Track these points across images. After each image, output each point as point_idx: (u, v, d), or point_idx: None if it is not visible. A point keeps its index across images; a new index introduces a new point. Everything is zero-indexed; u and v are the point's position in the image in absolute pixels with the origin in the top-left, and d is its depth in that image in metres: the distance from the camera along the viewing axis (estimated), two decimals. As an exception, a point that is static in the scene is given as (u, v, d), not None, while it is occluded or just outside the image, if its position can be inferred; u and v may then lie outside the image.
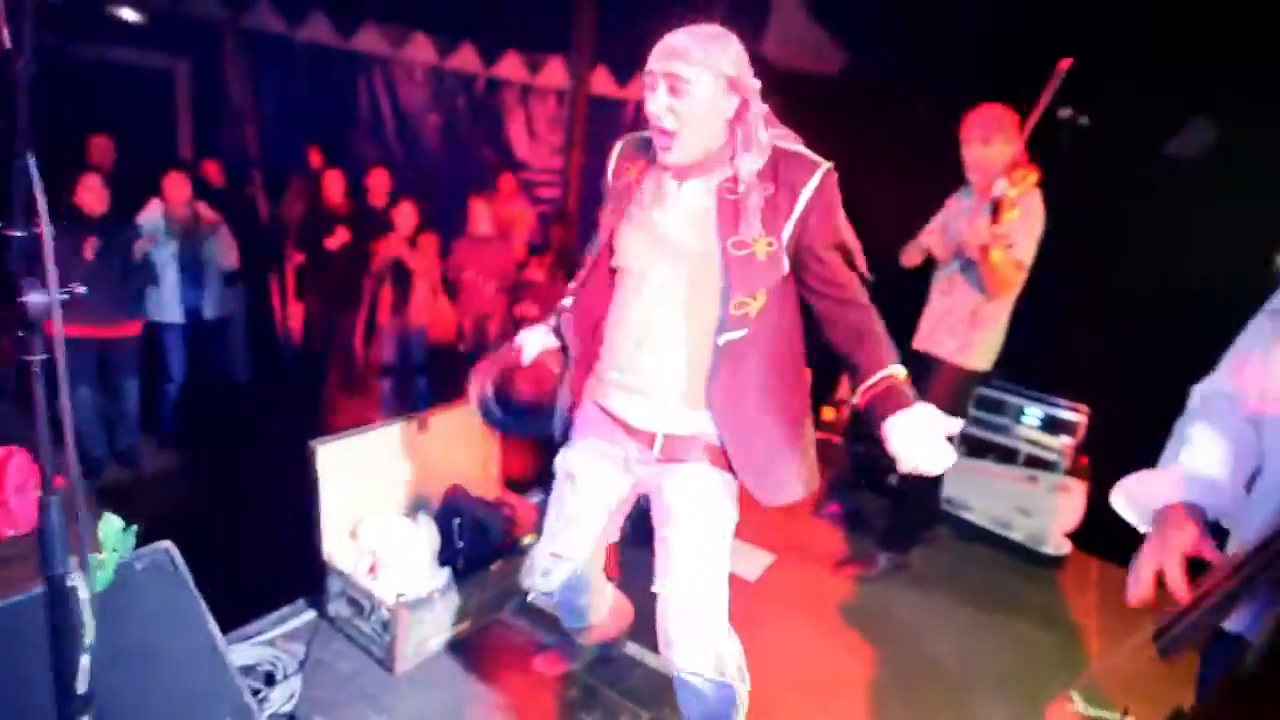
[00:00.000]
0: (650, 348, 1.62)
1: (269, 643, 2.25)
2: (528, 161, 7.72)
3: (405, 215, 4.85)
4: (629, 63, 7.26)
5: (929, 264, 3.22)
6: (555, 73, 7.34)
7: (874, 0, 5.62)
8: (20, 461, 1.03)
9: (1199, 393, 1.31)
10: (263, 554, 2.73)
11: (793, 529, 3.50)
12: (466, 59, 7.51)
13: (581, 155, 7.03)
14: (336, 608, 2.39)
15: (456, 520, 2.56)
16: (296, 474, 2.43)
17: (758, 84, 1.53)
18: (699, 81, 1.45)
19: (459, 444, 2.78)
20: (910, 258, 3.21)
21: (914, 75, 5.17)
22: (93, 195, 3.60)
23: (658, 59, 1.48)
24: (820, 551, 3.43)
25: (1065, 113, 2.96)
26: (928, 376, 3.06)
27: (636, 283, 1.63)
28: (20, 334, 0.85)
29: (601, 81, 7.25)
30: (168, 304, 4.47)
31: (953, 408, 1.51)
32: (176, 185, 4.36)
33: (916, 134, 5.12)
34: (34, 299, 0.83)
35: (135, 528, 1.19)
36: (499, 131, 7.67)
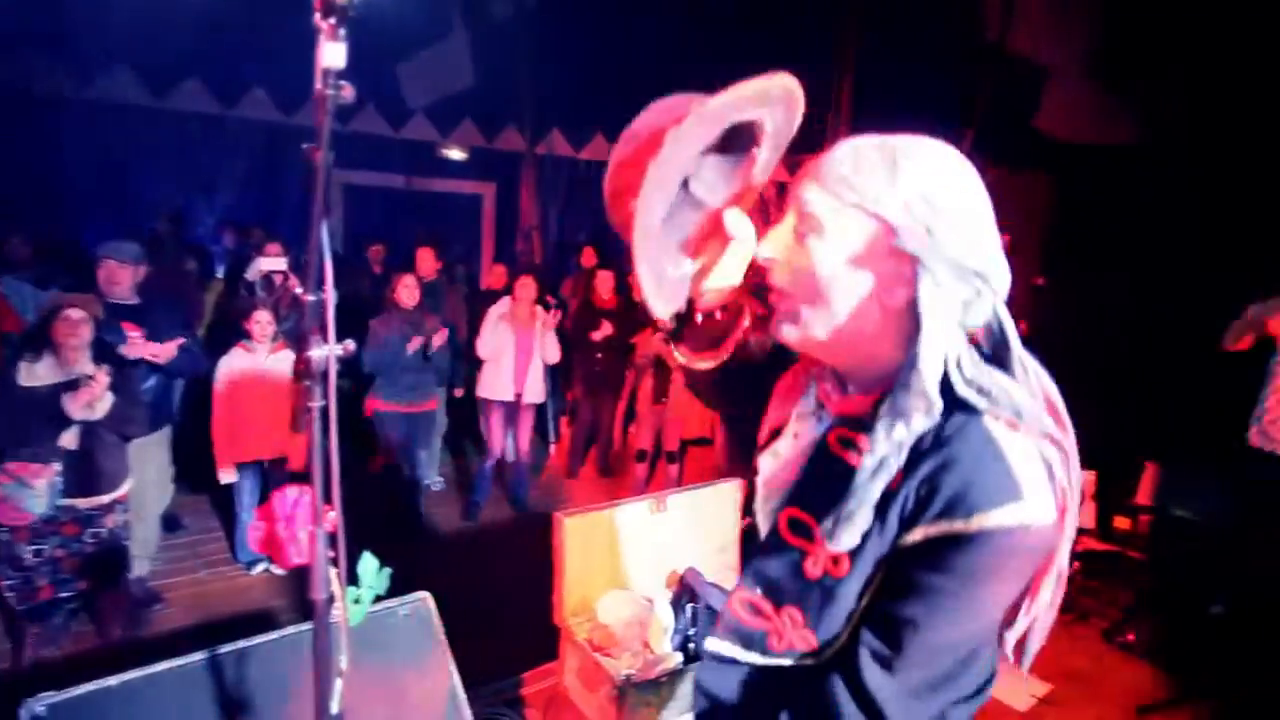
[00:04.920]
0: None
1: (507, 703, 2.35)
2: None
3: None
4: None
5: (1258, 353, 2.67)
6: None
7: (1177, 65, 5.05)
8: (309, 500, 1.21)
9: None
10: (502, 614, 2.90)
11: (1075, 657, 2.95)
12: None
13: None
14: (570, 680, 2.44)
15: (690, 605, 2.52)
16: (545, 545, 2.58)
17: (978, 262, 0.83)
18: (834, 221, 0.87)
19: (697, 527, 2.77)
20: (1237, 339, 2.69)
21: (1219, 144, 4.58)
22: (406, 292, 4.36)
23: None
24: (1112, 689, 2.83)
25: None
26: (1269, 479, 2.50)
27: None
28: (306, 383, 1.00)
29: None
30: (500, 385, 5.04)
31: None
32: (526, 288, 5.05)
33: (1222, 206, 4.45)
34: (318, 353, 0.98)
35: (389, 570, 1.31)
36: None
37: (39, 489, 2.93)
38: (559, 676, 2.48)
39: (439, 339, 4.45)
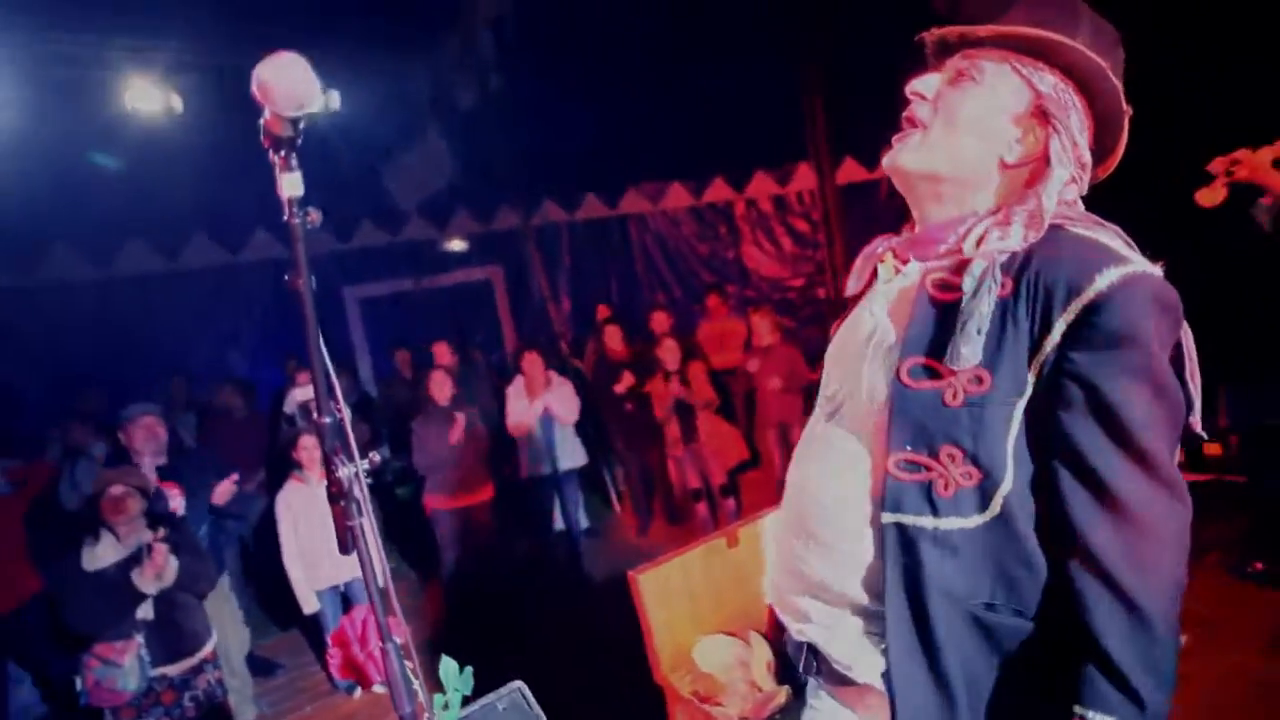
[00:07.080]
0: (802, 516, 1.15)
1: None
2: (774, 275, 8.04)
3: (669, 351, 5.09)
4: (872, 148, 7.22)
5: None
6: (805, 177, 7.47)
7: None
8: (374, 617, 1.19)
9: None
10: (604, 688, 2.83)
11: (1204, 595, 2.70)
12: (719, 190, 8.03)
13: (842, 248, 6.95)
14: (684, 738, 2.36)
15: (786, 635, 2.43)
16: (628, 607, 2.52)
17: (1088, 157, 1.03)
18: (994, 79, 1.01)
19: (773, 554, 2.70)
20: (1211, 195, 2.55)
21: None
22: (438, 388, 4.43)
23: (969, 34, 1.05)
24: (1250, 624, 2.60)
25: None
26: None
27: (817, 414, 1.21)
28: (341, 503, 1.00)
29: (849, 170, 7.25)
30: (542, 457, 5.08)
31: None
32: (533, 363, 5.08)
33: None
34: (344, 472, 0.98)
35: (470, 668, 1.29)
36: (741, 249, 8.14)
37: (128, 665, 2.95)
38: (671, 737, 2.40)
39: (458, 428, 4.44)
